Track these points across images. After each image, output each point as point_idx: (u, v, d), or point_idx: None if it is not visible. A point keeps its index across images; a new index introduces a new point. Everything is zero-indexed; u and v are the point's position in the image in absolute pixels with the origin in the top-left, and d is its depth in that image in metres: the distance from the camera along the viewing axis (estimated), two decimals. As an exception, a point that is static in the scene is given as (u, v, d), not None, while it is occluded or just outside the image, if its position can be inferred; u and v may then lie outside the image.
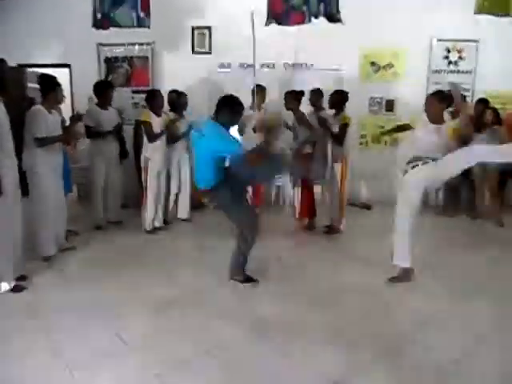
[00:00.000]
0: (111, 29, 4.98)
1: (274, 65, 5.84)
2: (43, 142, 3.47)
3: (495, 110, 5.01)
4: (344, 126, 4.28)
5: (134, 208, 4.92)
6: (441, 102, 3.19)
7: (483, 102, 5.33)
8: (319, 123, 4.26)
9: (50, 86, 3.58)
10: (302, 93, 4.46)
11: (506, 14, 2.34)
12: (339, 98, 4.32)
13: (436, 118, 3.18)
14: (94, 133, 4.40)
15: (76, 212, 4.95)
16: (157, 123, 4.34)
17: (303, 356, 2.33)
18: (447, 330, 2.63)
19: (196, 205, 4.87)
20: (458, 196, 5.51)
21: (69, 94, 5.52)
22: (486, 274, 3.49)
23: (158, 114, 4.38)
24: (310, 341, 2.47)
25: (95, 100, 4.49)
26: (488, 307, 2.89)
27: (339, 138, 4.27)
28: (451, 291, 3.14)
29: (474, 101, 5.50)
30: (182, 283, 3.27)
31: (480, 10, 2.40)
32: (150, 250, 4.04)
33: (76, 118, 4.01)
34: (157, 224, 4.56)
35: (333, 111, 4.35)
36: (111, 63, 6.05)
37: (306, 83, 5.48)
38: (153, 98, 4.39)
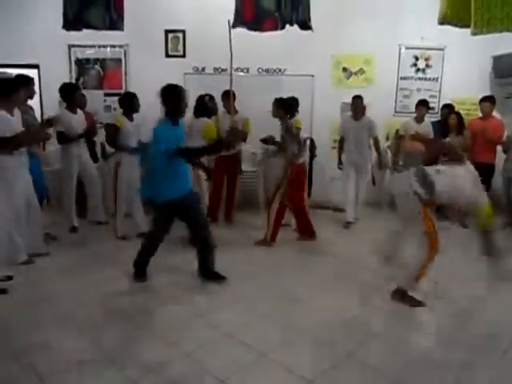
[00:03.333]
0: (83, 30, 4.89)
1: (248, 69, 5.88)
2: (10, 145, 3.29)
3: (459, 115, 5.21)
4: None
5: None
6: None
7: (448, 107, 5.56)
8: (286, 131, 4.29)
9: (11, 87, 3.33)
10: (295, 100, 4.59)
11: (468, 25, 2.44)
12: (288, 105, 4.41)
13: None
14: (65, 138, 4.33)
15: (53, 216, 4.84)
16: (129, 128, 4.23)
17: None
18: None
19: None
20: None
21: (37, 96, 5.37)
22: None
23: (131, 119, 4.29)
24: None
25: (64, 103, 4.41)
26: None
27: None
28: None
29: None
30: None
31: (443, 19, 2.51)
32: (121, 257, 3.97)
33: (47, 123, 3.93)
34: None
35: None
36: (82, 65, 5.95)
37: (279, 88, 5.59)
38: (127, 102, 4.27)
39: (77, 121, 4.39)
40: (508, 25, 1.99)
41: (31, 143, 3.68)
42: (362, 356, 2.39)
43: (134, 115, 4.30)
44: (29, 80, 4.01)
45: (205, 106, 4.46)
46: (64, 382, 2.13)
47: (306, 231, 4.51)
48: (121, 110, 4.30)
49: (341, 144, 5.21)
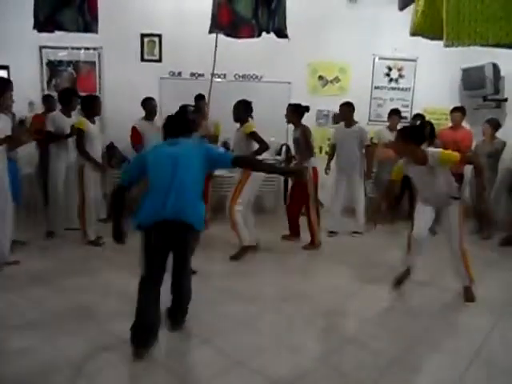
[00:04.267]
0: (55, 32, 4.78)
1: (225, 75, 5.88)
2: None
3: (431, 125, 5.35)
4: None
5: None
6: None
7: (419, 117, 5.71)
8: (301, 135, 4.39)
9: None
10: (306, 108, 4.46)
11: (439, 38, 2.52)
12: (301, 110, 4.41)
13: None
14: (54, 136, 4.33)
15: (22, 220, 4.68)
16: (92, 131, 4.21)
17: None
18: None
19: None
20: (398, 205, 5.81)
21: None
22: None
23: (93, 122, 4.27)
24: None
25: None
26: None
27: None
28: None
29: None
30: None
31: (415, 31, 2.58)
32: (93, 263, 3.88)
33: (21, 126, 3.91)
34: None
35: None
36: (55, 67, 5.81)
37: (256, 95, 5.60)
38: (90, 105, 4.24)
39: (69, 124, 4.37)
40: (475, 39, 2.05)
41: (13, 147, 3.59)
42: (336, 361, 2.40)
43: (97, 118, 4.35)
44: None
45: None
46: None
47: (295, 231, 4.71)
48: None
49: (331, 151, 5.16)
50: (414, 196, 5.53)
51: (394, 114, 5.56)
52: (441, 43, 2.81)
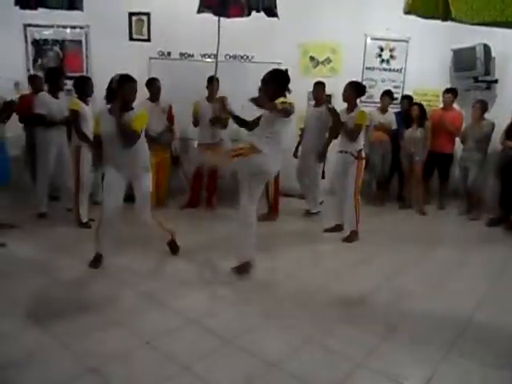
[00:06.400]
0: (39, 9, 4.64)
1: (215, 55, 5.77)
2: None
3: (421, 106, 5.37)
4: None
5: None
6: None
7: (407, 98, 5.72)
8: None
9: None
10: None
11: (432, 17, 2.49)
12: None
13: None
14: (47, 121, 4.29)
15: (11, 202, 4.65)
16: (86, 112, 4.15)
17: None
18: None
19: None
20: (387, 187, 5.86)
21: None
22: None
23: (87, 103, 4.21)
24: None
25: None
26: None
27: None
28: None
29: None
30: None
31: (408, 9, 2.54)
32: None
33: (8, 106, 3.87)
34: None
35: None
36: (40, 46, 5.66)
37: (246, 75, 5.54)
38: (83, 86, 4.17)
39: (58, 105, 4.33)
40: (472, 17, 2.03)
41: None
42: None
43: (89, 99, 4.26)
44: None
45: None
46: (23, 372, 2.05)
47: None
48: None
49: (302, 133, 5.07)
50: (405, 176, 5.63)
51: (386, 95, 5.56)
52: (432, 23, 2.79)
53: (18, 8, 4.33)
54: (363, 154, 4.13)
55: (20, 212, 4.53)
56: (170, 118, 5.16)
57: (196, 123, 5.09)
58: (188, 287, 3.06)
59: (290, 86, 3.13)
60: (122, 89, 3.07)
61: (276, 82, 3.11)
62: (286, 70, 3.30)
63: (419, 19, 2.72)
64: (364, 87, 4.35)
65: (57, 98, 4.39)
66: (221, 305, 2.83)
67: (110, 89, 3.10)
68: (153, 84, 4.84)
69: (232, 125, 5.14)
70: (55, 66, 5.46)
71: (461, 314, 2.80)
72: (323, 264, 3.62)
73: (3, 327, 2.44)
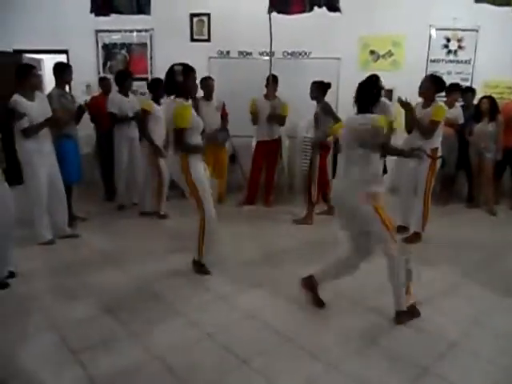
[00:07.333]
0: (110, 15, 4.94)
1: (273, 53, 5.80)
2: (28, 133, 3.46)
3: (492, 99, 5.01)
4: None
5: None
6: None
7: (471, 91, 5.34)
8: (325, 113, 4.32)
9: (22, 73, 3.46)
10: (328, 84, 4.51)
11: (507, 4, 2.33)
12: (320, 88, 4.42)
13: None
14: (118, 119, 4.67)
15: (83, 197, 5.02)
16: (158, 112, 4.34)
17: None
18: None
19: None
20: (452, 185, 5.55)
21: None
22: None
23: (159, 104, 4.46)
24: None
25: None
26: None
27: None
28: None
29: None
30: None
31: (480, -2, 2.40)
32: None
33: (81, 110, 4.17)
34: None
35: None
36: (109, 50, 6.02)
37: (304, 72, 5.51)
38: (157, 87, 4.38)
39: (128, 104, 4.70)
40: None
41: (56, 128, 3.79)
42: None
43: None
44: (64, 66, 4.17)
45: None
46: (94, 356, 2.22)
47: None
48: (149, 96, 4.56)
49: None
50: (473, 174, 5.29)
51: (455, 89, 5.08)
52: (503, 11, 2.62)
53: (91, 15, 4.63)
54: (439, 153, 3.87)
55: (93, 206, 4.93)
56: (224, 116, 5.23)
57: (255, 121, 5.12)
58: (252, 285, 3.09)
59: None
60: (188, 79, 2.96)
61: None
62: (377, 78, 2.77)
63: (488, 7, 2.56)
64: (444, 82, 4.00)
65: (127, 96, 4.75)
66: (284, 304, 2.83)
67: (171, 80, 2.96)
68: (207, 82, 4.93)
69: (289, 122, 5.22)
70: (123, 68, 5.81)
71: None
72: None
73: (79, 312, 2.65)
